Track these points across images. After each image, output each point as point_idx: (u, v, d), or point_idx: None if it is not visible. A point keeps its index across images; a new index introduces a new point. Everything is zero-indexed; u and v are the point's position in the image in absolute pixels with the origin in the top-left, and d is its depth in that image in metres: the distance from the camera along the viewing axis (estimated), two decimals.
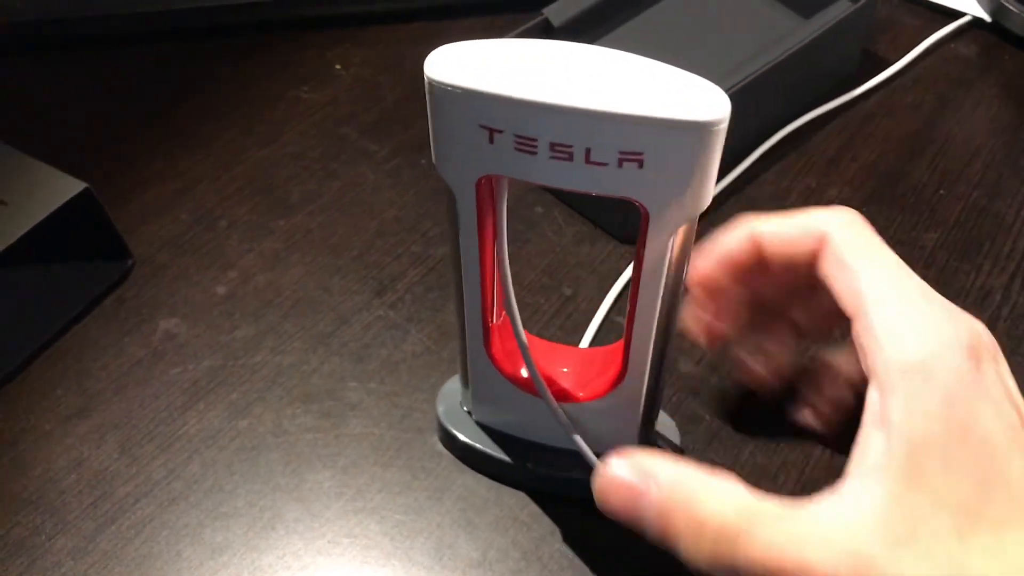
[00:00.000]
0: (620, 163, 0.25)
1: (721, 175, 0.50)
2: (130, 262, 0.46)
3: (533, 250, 0.47)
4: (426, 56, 0.26)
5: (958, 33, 0.59)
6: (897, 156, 0.52)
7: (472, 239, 0.30)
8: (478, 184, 0.28)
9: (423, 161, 0.52)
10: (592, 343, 0.43)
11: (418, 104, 0.55)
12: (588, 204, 0.48)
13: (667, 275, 0.29)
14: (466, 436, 0.38)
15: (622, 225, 0.47)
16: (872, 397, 0.27)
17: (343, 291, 0.46)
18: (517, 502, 0.38)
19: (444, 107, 0.26)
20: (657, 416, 0.37)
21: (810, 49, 0.49)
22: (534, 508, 0.38)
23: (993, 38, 0.59)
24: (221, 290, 0.46)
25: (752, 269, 0.32)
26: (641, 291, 0.30)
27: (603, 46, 0.27)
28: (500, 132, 0.25)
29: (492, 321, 0.34)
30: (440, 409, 0.39)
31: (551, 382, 0.35)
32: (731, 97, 0.25)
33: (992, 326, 0.43)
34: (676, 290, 0.30)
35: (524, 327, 0.32)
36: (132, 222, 0.48)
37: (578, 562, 0.36)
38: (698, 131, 0.24)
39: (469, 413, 0.39)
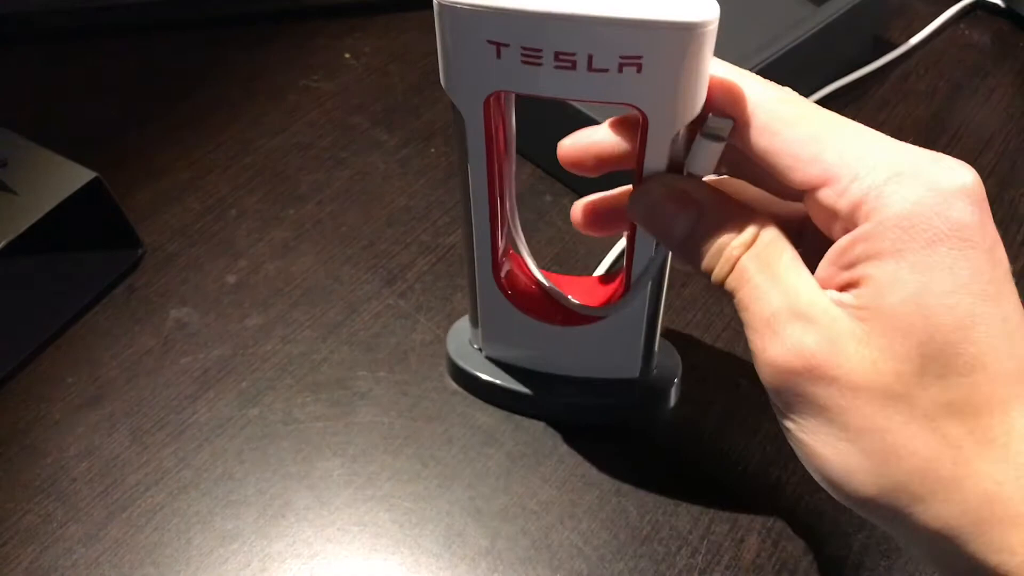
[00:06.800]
0: (620, 68, 0.26)
1: None
2: (140, 251, 0.46)
3: (543, 238, 0.47)
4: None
5: (973, 20, 0.58)
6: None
7: (480, 160, 0.31)
8: (486, 104, 0.29)
9: (433, 150, 0.52)
10: None
11: (428, 93, 0.55)
12: (598, 190, 0.48)
13: None
14: (477, 370, 0.40)
15: None
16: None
17: (353, 280, 0.46)
18: (526, 490, 0.38)
19: (452, 26, 0.27)
20: (657, 340, 0.38)
21: (823, 36, 0.49)
22: (543, 496, 0.38)
23: (1008, 25, 0.58)
24: (231, 279, 0.46)
25: None
26: None
27: None
28: (507, 46, 0.26)
29: (500, 246, 0.35)
30: (450, 348, 0.41)
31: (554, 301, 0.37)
32: None
33: None
34: None
35: None
36: (142, 211, 0.48)
37: (587, 550, 0.36)
38: (691, 32, 0.25)
39: (479, 350, 0.40)
